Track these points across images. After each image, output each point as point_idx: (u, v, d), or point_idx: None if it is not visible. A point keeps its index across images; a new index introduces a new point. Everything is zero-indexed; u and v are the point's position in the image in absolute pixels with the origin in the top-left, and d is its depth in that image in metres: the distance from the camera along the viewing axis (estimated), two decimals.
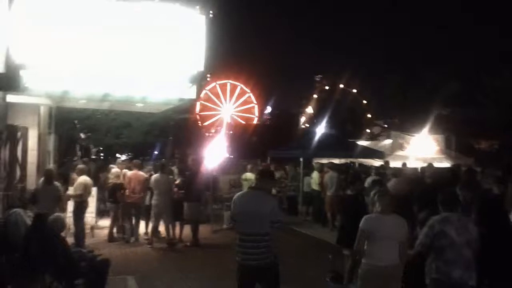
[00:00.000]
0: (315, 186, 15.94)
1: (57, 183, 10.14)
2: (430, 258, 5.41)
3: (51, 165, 12.05)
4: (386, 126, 38.15)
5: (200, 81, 11.85)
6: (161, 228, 12.29)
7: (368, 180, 11.52)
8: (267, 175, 6.32)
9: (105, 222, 13.63)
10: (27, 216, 7.78)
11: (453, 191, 6.34)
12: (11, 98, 10.04)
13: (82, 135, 26.99)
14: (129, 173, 12.84)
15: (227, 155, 22.36)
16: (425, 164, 14.52)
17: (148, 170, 13.69)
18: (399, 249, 5.61)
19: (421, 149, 20.14)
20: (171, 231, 11.99)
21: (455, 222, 5.32)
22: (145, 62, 10.64)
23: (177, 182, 12.57)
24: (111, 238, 12.20)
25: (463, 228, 5.30)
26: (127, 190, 12.33)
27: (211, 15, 11.15)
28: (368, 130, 42.14)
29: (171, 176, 13.05)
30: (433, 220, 5.42)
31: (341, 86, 46.67)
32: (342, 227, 8.48)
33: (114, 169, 13.39)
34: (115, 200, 12.39)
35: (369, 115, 45.57)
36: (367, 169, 18.26)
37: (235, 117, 42.21)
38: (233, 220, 6.14)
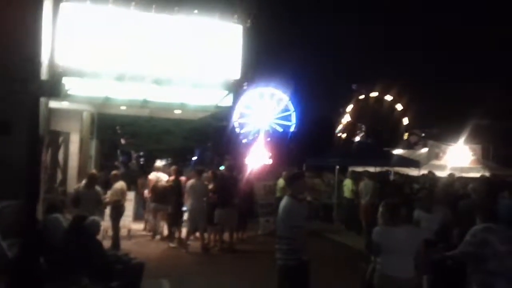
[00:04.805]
0: (347, 194, 15.89)
1: (98, 188, 10.38)
2: (471, 268, 5.30)
3: (93, 170, 12.31)
4: (423, 135, 37.42)
5: (237, 89, 11.97)
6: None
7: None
8: (292, 180, 6.38)
9: (141, 226, 14.00)
10: (65, 220, 8.04)
11: (491, 204, 6.23)
12: (53, 104, 10.39)
13: (123, 141, 27.60)
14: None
15: (265, 162, 22.41)
16: (461, 174, 14.28)
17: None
18: (415, 261, 5.45)
19: (457, 158, 19.83)
20: (205, 235, 12.15)
21: (499, 232, 5.18)
22: (183, 70, 10.92)
23: (210, 187, 12.65)
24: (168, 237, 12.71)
25: (507, 238, 5.15)
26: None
27: (248, 24, 11.28)
28: (405, 137, 41.47)
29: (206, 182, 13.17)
30: (475, 230, 5.30)
31: (376, 94, 46.06)
32: (368, 233, 8.53)
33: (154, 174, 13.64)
34: (164, 202, 12.66)
35: (405, 121, 44.77)
36: (404, 178, 18.09)
37: (273, 124, 42.27)
38: None
